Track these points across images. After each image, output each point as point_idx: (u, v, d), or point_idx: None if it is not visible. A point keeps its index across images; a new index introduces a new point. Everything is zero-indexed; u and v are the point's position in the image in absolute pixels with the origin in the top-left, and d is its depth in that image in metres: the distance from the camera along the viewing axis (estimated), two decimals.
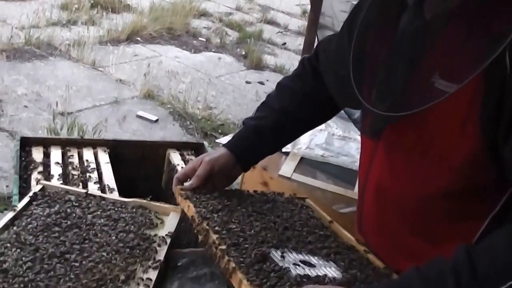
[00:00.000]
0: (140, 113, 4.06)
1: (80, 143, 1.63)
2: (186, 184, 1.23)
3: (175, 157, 1.67)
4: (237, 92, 4.85)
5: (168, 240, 1.16)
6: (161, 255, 1.10)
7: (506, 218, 0.94)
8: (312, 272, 0.99)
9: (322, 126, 2.30)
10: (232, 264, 0.96)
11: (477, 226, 1.00)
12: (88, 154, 1.60)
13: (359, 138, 1.30)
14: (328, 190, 1.94)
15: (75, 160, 1.56)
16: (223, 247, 1.01)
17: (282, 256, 1.02)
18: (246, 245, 1.03)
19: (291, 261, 1.01)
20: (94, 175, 1.49)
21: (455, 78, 0.88)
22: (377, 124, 1.06)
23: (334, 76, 1.22)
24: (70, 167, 1.51)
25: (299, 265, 1.00)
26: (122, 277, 1.01)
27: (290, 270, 0.97)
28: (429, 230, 1.06)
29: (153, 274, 1.04)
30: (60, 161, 1.53)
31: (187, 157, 1.70)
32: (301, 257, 1.04)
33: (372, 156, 1.12)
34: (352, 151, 2.15)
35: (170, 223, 1.24)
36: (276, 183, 2.01)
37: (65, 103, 3.87)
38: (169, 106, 4.30)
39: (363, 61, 1.06)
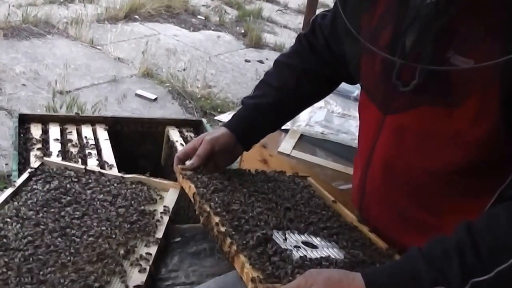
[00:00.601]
0: (139, 91, 4.04)
1: (79, 121, 1.62)
2: (187, 163, 1.22)
3: (174, 134, 1.66)
4: (237, 71, 4.82)
5: (168, 216, 1.17)
6: (160, 231, 1.11)
7: (507, 193, 0.94)
8: (314, 254, 0.99)
9: (322, 103, 2.29)
10: (234, 247, 0.96)
11: (486, 200, 1.00)
12: (87, 131, 1.60)
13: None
14: (327, 167, 1.94)
15: (74, 137, 1.55)
16: (225, 229, 1.00)
17: (285, 238, 1.02)
18: (248, 227, 1.02)
19: (293, 243, 1.01)
20: (93, 151, 1.49)
21: (473, 54, 0.87)
22: (401, 101, 1.02)
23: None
24: (69, 144, 1.51)
25: (301, 247, 1.00)
26: (122, 252, 1.01)
27: (292, 252, 0.97)
28: (436, 204, 1.06)
29: (153, 249, 1.05)
30: (59, 138, 1.53)
31: (186, 134, 1.70)
32: (303, 238, 1.04)
33: (378, 130, 1.10)
34: (352, 128, 2.15)
35: (170, 199, 1.24)
36: (276, 161, 2.01)
37: (64, 81, 3.85)
38: (168, 84, 4.28)
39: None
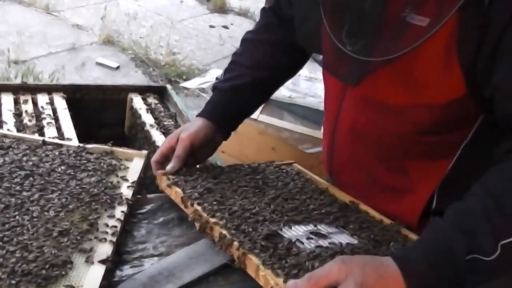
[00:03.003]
0: (100, 59, 3.90)
1: (34, 89, 1.53)
2: (167, 167, 1.13)
3: (137, 102, 1.60)
4: (201, 37, 4.71)
5: (133, 186, 1.12)
6: (125, 202, 1.06)
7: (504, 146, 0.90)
8: (326, 243, 0.93)
9: None
10: (243, 250, 0.89)
11: (453, 153, 1.00)
12: (43, 100, 1.51)
13: None
14: (295, 130, 1.92)
15: (29, 107, 1.46)
16: (228, 232, 0.93)
17: (292, 232, 0.96)
18: (252, 226, 0.95)
19: (302, 235, 0.95)
20: (51, 122, 1.41)
21: (428, 12, 0.84)
22: (355, 71, 0.99)
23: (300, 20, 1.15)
24: (24, 115, 1.42)
25: (311, 238, 0.94)
26: (85, 226, 0.96)
27: (305, 245, 0.91)
28: (404, 165, 1.05)
29: (117, 222, 1.00)
30: (13, 108, 1.44)
31: (150, 101, 1.63)
32: (309, 228, 0.98)
33: (341, 96, 1.09)
34: (319, 91, 2.12)
35: (134, 168, 1.19)
36: (244, 126, 1.96)
37: (18, 50, 3.67)
38: (130, 52, 4.15)
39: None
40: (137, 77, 3.85)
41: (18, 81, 3.15)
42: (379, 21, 0.92)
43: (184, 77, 3.93)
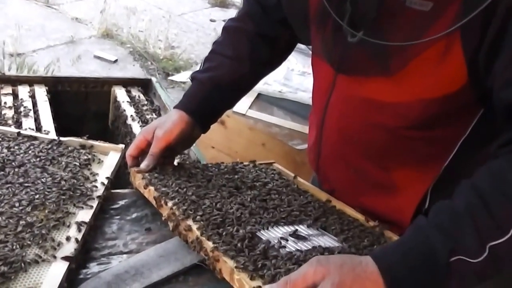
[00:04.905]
0: (98, 53, 3.87)
1: (15, 81, 1.50)
2: (142, 165, 1.08)
3: (121, 94, 1.56)
4: (201, 31, 4.67)
5: (106, 180, 1.09)
6: (97, 197, 1.03)
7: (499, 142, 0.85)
8: (306, 245, 0.89)
9: None
10: (217, 252, 0.85)
11: (448, 151, 0.94)
12: (23, 92, 1.48)
13: None
14: (284, 126, 1.88)
15: (9, 99, 1.43)
16: (202, 232, 0.90)
17: (270, 233, 0.92)
18: (228, 227, 0.91)
19: (281, 237, 0.91)
20: (30, 114, 1.38)
21: None
22: (349, 56, 0.95)
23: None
24: (2, 106, 1.39)
25: (291, 240, 0.90)
26: (52, 222, 0.93)
27: (284, 248, 0.87)
28: (393, 162, 1.00)
29: (86, 217, 0.97)
30: None
31: (134, 93, 1.60)
32: (289, 230, 0.94)
33: (330, 87, 1.04)
34: (311, 86, 2.07)
35: (109, 162, 1.16)
36: (233, 121, 1.94)
37: (16, 43, 3.65)
38: (129, 45, 4.12)
39: None
40: (134, 71, 3.82)
41: (12, 73, 3.13)
42: (381, 7, 0.88)
43: (181, 70, 3.90)
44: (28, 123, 1.33)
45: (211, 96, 1.15)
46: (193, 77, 1.19)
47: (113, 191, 1.11)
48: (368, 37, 0.89)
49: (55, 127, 1.34)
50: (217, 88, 1.15)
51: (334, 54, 1.00)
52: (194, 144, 1.21)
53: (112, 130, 1.58)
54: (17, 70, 3.14)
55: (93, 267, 0.90)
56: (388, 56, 0.90)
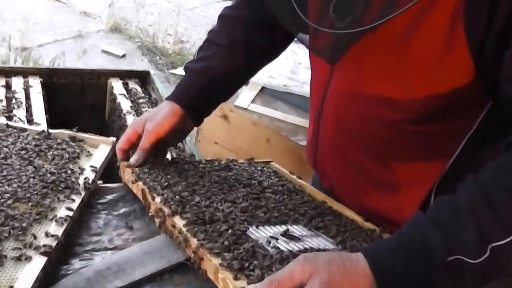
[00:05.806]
0: (105, 47, 3.85)
1: (9, 72, 1.47)
2: (131, 160, 1.04)
3: (117, 87, 1.52)
4: (212, 25, 4.60)
5: (94, 174, 1.05)
6: (83, 190, 0.99)
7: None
8: (298, 246, 0.85)
9: (288, 54, 2.15)
10: (203, 251, 0.80)
11: (454, 146, 0.88)
12: (17, 83, 1.45)
13: None
14: (288, 121, 1.82)
15: (2, 90, 1.40)
16: (188, 229, 0.85)
17: (259, 233, 0.87)
18: (216, 224, 0.87)
19: (271, 236, 0.86)
20: (22, 106, 1.35)
21: None
22: (337, 46, 0.90)
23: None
24: None
25: (281, 240, 0.86)
26: (34, 216, 0.89)
27: (274, 248, 0.82)
28: (392, 158, 0.94)
29: (69, 212, 0.93)
30: None
31: (131, 86, 1.56)
32: (280, 229, 0.90)
33: (327, 79, 0.98)
34: None
35: (99, 156, 1.12)
36: (237, 116, 1.90)
37: (23, 37, 3.64)
38: (137, 40, 4.10)
39: None
40: (142, 65, 3.78)
41: (18, 65, 3.12)
42: None
43: None
44: (19, 115, 1.30)
45: (204, 88, 1.10)
46: (186, 67, 1.14)
47: (102, 185, 1.07)
48: (354, 25, 0.83)
49: (48, 119, 1.31)
50: (209, 78, 1.10)
51: (325, 47, 0.94)
52: (190, 140, 1.17)
53: (109, 123, 1.55)
54: (23, 64, 3.13)
55: (75, 263, 0.87)
56: None
